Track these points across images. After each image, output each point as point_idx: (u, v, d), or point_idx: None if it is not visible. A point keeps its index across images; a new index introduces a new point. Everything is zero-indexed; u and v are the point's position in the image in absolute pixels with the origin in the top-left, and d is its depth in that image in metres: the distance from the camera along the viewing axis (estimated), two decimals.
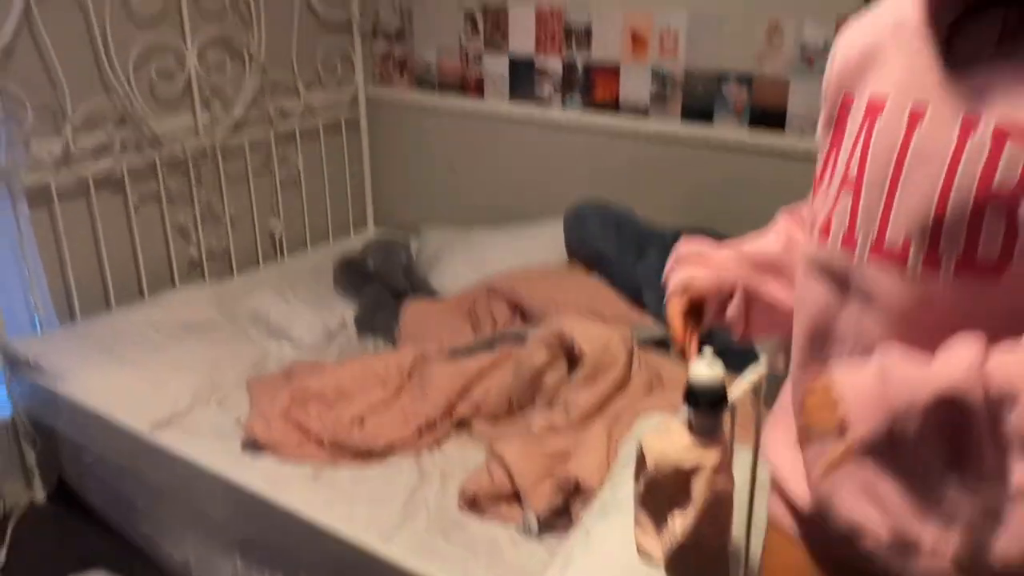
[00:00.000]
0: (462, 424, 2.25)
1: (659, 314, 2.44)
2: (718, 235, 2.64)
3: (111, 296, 2.66)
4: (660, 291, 2.50)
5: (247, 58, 2.90)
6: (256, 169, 3.03)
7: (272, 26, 2.93)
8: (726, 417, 1.14)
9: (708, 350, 1.12)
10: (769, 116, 2.50)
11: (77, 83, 2.45)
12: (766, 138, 2.52)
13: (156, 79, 2.65)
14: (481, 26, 2.99)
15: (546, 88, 2.92)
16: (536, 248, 2.83)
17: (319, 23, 3.14)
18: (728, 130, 2.58)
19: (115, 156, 2.57)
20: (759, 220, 2.61)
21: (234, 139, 2.91)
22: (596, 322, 2.19)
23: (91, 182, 2.53)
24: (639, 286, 2.50)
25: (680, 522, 1.11)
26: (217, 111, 2.84)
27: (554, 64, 2.87)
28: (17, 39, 2.31)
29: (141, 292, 2.74)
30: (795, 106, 2.45)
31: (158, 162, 2.69)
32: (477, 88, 3.09)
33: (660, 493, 1.13)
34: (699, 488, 1.09)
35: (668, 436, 1.12)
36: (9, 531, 2.36)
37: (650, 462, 1.11)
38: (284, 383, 2.35)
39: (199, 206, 2.86)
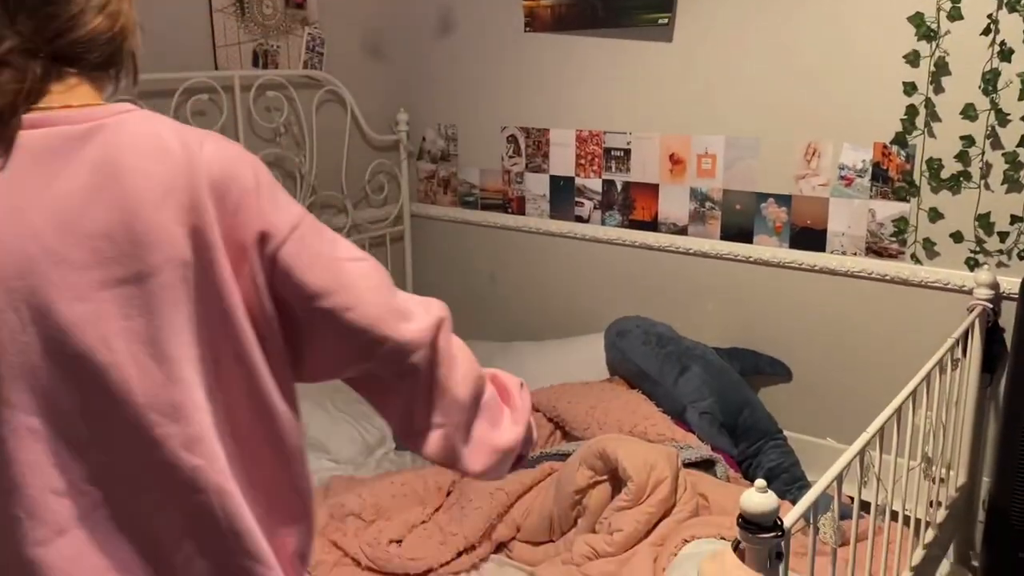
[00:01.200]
0: (502, 546, 2.20)
1: (703, 432, 2.40)
2: (759, 352, 2.65)
3: None
4: (703, 409, 2.47)
5: (299, 178, 3.01)
6: None
7: (323, 148, 3.06)
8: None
9: (761, 481, 1.10)
10: (809, 235, 2.52)
11: None
12: (806, 257, 2.52)
13: None
14: (523, 148, 3.10)
15: (586, 206, 2.98)
16: (577, 363, 2.82)
17: (368, 145, 3.27)
18: (768, 249, 2.60)
19: None
20: (801, 336, 2.62)
21: None
22: (640, 441, 2.16)
23: None
24: (682, 404, 2.47)
25: None
26: None
27: (594, 183, 2.94)
28: None
29: None
30: (835, 225, 2.47)
31: None
32: (518, 206, 3.16)
33: None
34: None
35: (723, 565, 1.08)
36: None
37: None
38: (322, 499, 2.33)
39: None
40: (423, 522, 2.20)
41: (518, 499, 2.20)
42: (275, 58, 2.93)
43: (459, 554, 2.10)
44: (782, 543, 1.11)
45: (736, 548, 1.10)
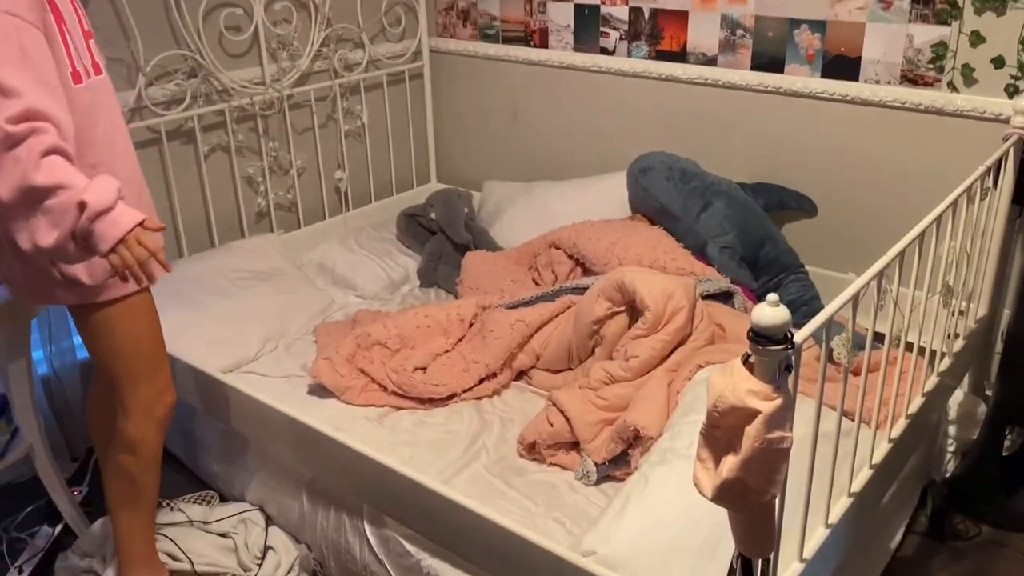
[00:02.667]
0: (522, 374, 2.27)
1: (723, 266, 2.40)
2: (785, 187, 2.60)
3: (183, 245, 2.74)
4: (724, 244, 2.46)
5: (313, 9, 2.91)
6: (321, 121, 3.06)
7: None
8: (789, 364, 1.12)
9: (774, 295, 1.10)
10: (842, 63, 2.41)
11: (150, 36, 2.50)
12: (839, 86, 2.43)
13: (225, 31, 2.68)
14: None
15: (612, 37, 2.87)
16: (599, 201, 2.80)
17: None
18: (799, 79, 2.50)
19: (186, 107, 2.63)
20: (829, 170, 2.56)
21: (300, 91, 2.94)
22: (658, 273, 2.17)
23: (163, 133, 2.59)
24: (703, 239, 2.46)
25: (728, 464, 1.11)
26: (284, 62, 2.87)
27: (620, 12, 2.81)
28: None
29: (212, 242, 2.82)
30: (870, 52, 2.36)
31: (227, 114, 2.74)
32: (541, 38, 3.05)
33: (719, 431, 1.12)
34: (749, 436, 1.08)
35: (731, 376, 1.11)
36: (91, 466, 2.48)
37: (710, 399, 1.11)
38: (349, 330, 2.40)
39: (267, 158, 2.91)
40: (446, 351, 2.26)
41: (538, 330, 2.25)
42: None
43: (481, 381, 2.18)
44: (792, 356, 1.12)
45: (745, 361, 1.12)
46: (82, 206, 1.38)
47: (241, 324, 2.41)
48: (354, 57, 3.09)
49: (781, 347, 1.10)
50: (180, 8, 2.54)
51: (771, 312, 1.08)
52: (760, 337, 1.09)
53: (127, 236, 1.41)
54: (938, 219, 1.66)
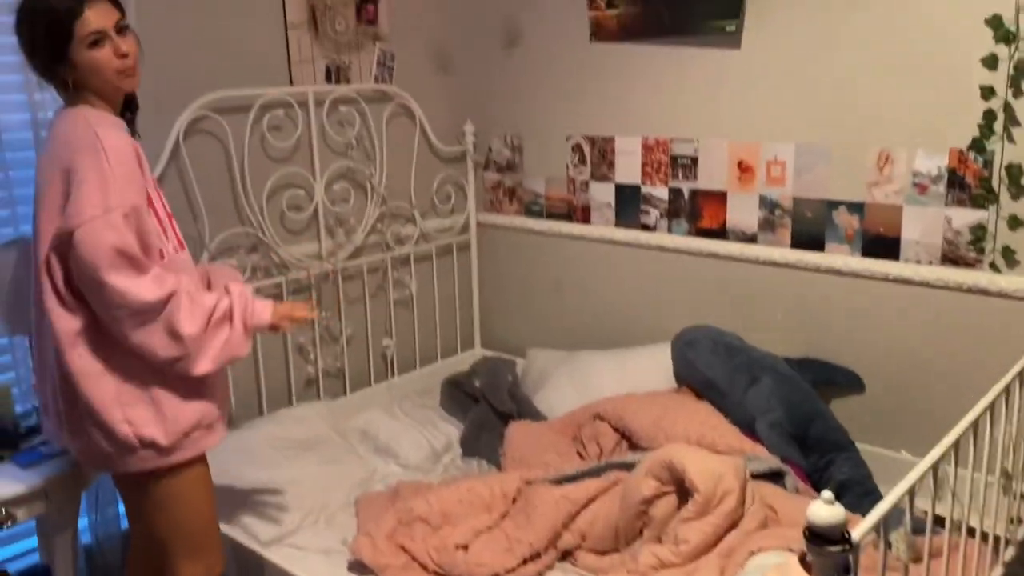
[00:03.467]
0: (567, 554, 2.20)
1: (772, 444, 2.36)
2: (830, 362, 2.59)
3: (233, 413, 2.79)
4: (772, 420, 2.43)
5: (369, 189, 3.09)
6: (372, 291, 3.18)
7: (392, 159, 3.13)
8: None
9: (828, 492, 1.09)
10: (882, 243, 2.47)
11: (216, 215, 2.66)
12: (879, 266, 2.47)
13: (287, 210, 2.85)
14: (588, 156, 3.11)
15: (652, 214, 2.98)
16: (643, 373, 2.81)
17: (435, 156, 3.33)
18: (840, 257, 2.55)
19: (245, 280, 2.74)
20: (873, 347, 2.55)
21: (353, 263, 3.07)
22: (707, 452, 2.14)
23: None
24: (751, 415, 2.44)
25: None
26: (340, 238, 3.01)
27: (660, 192, 2.93)
28: (167, 171, 2.54)
29: (261, 409, 2.86)
30: (909, 233, 2.41)
31: (284, 286, 2.86)
32: (584, 215, 3.17)
33: None
34: None
35: None
36: None
37: None
38: (390, 503, 2.38)
39: (319, 327, 3.00)
40: (489, 528, 2.22)
41: (584, 507, 2.21)
42: (347, 73, 3.01)
43: (524, 561, 2.12)
44: (850, 557, 1.09)
45: (803, 561, 1.09)
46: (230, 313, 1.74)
47: (284, 496, 2.40)
48: (405, 231, 3.24)
49: (839, 548, 1.07)
50: (247, 191, 2.72)
51: (827, 511, 1.07)
52: (816, 536, 1.07)
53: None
54: (991, 404, 1.64)
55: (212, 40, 2.62)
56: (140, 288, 1.60)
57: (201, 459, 1.80)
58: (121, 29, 1.67)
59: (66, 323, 1.63)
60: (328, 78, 2.96)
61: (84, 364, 1.64)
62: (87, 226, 1.55)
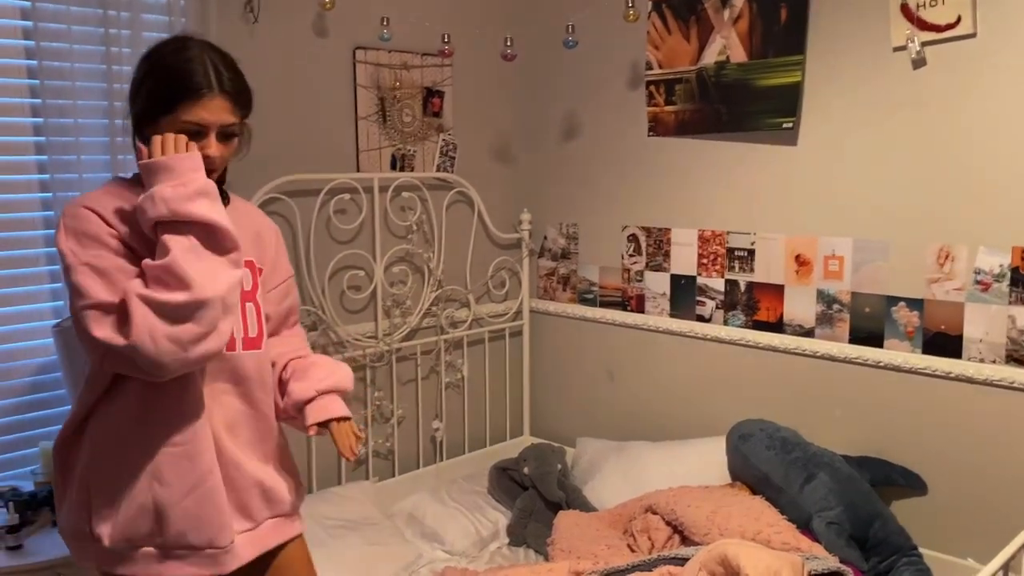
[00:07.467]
0: None
1: (830, 543, 2.29)
2: (890, 461, 2.52)
3: None
4: (830, 519, 2.36)
5: (427, 272, 3.16)
6: (424, 373, 3.21)
7: (450, 244, 3.21)
8: None
9: None
10: (943, 340, 2.43)
11: None
12: (941, 363, 2.43)
13: (346, 290, 2.92)
14: (643, 246, 3.15)
15: (708, 305, 2.98)
16: (695, 466, 2.77)
17: (492, 242, 3.41)
18: (900, 354, 2.51)
19: None
20: (935, 446, 2.49)
21: (407, 344, 3.12)
22: (763, 547, 2.08)
23: None
24: (808, 512, 2.37)
25: None
26: (396, 319, 3.07)
27: (716, 283, 2.94)
28: None
29: (310, 487, 2.87)
30: (971, 330, 2.37)
31: None
32: (637, 304, 3.19)
33: None
34: None
35: None
36: None
37: None
38: None
39: (371, 407, 3.03)
40: None
41: None
42: (411, 161, 3.13)
43: None
44: None
45: None
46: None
47: (328, 575, 2.38)
48: (459, 315, 3.29)
49: None
50: (311, 270, 2.81)
51: None
52: None
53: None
54: None
55: (288, 128, 2.75)
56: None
57: None
58: (227, 134, 1.55)
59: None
60: (393, 166, 3.07)
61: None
62: None
